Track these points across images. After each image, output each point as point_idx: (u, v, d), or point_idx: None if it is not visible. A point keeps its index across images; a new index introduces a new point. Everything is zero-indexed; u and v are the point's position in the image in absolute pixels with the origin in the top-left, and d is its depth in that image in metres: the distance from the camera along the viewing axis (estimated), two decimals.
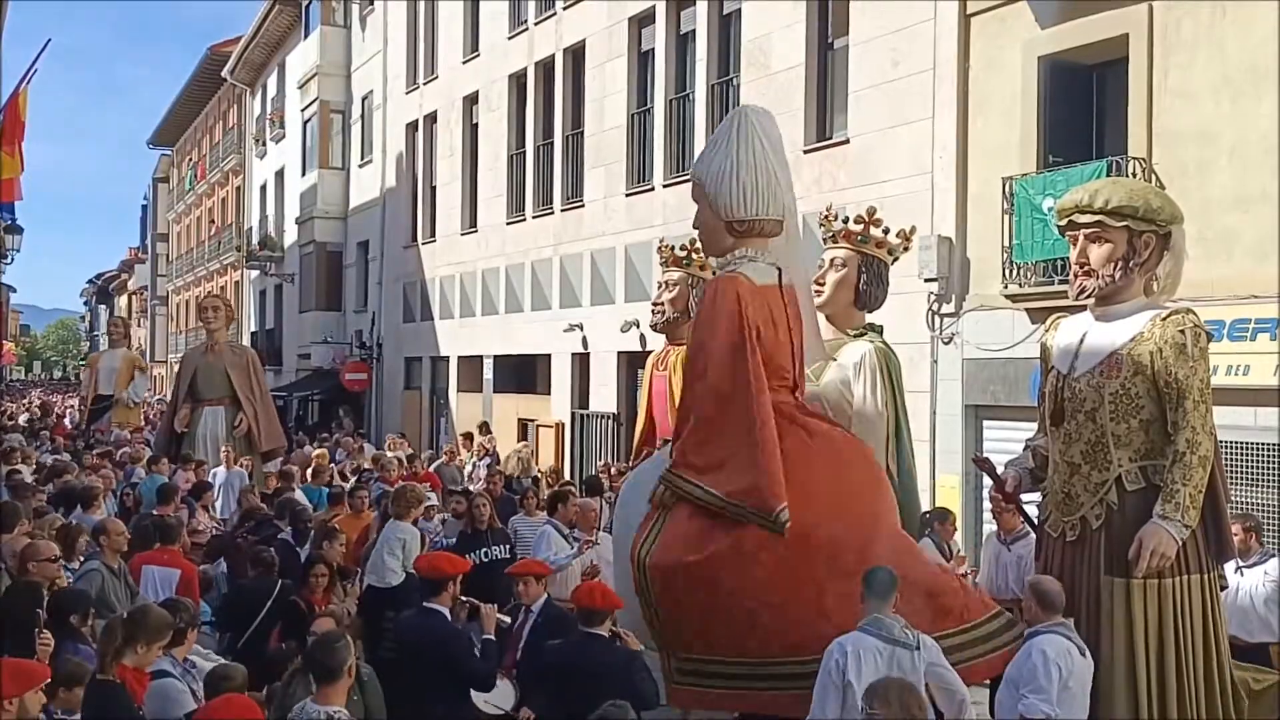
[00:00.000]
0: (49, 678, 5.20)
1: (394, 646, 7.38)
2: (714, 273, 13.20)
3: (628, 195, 19.13)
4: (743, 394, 6.58)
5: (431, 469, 17.46)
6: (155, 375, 56.59)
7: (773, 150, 6.94)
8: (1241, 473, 10.20)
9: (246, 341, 36.12)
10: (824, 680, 5.61)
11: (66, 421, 29.40)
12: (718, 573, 6.40)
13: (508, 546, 10.30)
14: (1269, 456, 10.27)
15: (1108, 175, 10.57)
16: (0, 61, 21.17)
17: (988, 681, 6.87)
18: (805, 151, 15.30)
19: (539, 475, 15.80)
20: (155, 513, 10.70)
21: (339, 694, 5.33)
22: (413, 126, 27.66)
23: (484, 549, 10.09)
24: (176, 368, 18.71)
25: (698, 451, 6.68)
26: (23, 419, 31.57)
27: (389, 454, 17.40)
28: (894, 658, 5.59)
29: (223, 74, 40.84)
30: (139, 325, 63.42)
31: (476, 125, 24.81)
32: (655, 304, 13.32)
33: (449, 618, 7.07)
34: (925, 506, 10.74)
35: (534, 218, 22.18)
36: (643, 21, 19.18)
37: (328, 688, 5.29)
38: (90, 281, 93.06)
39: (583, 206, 20.48)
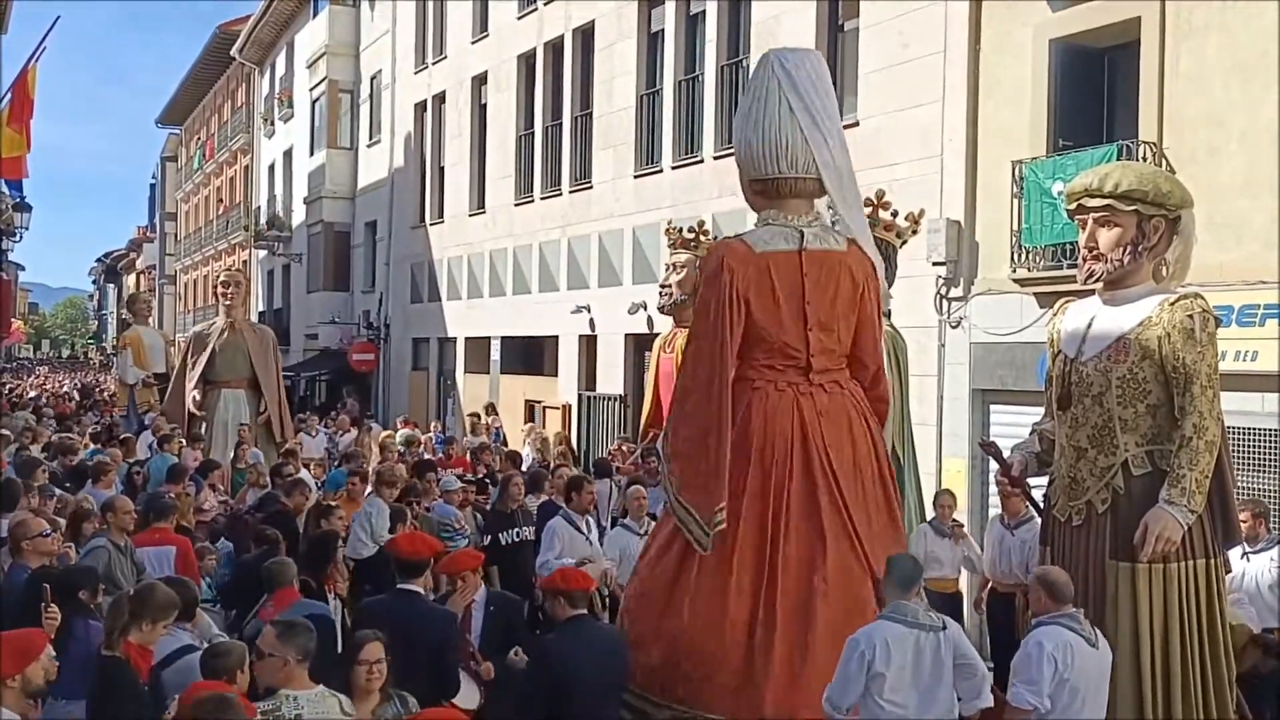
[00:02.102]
0: (47, 646, 5.18)
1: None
2: None
3: (636, 177, 19.09)
4: (704, 384, 6.27)
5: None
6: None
7: (797, 100, 6.31)
8: (1248, 458, 10.19)
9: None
10: (845, 672, 5.46)
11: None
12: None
13: (532, 529, 10.17)
14: (1276, 442, 10.25)
15: (1118, 159, 10.53)
16: (1, 45, 21.19)
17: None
18: None
19: (551, 461, 15.38)
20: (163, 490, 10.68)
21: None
22: (421, 107, 27.61)
23: (515, 529, 10.03)
24: (184, 344, 16.40)
25: (673, 435, 6.49)
26: (31, 395, 31.65)
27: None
28: (919, 642, 5.50)
29: (231, 53, 40.77)
30: None
31: (485, 106, 24.77)
32: (663, 286, 13.35)
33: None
34: (929, 490, 10.75)
35: (542, 199, 22.16)
36: (652, 2, 19.11)
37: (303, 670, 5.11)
38: (99, 260, 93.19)
39: (591, 188, 20.44)
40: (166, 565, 8.42)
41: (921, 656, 5.48)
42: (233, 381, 15.24)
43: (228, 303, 15.75)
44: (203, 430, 14.92)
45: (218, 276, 16.84)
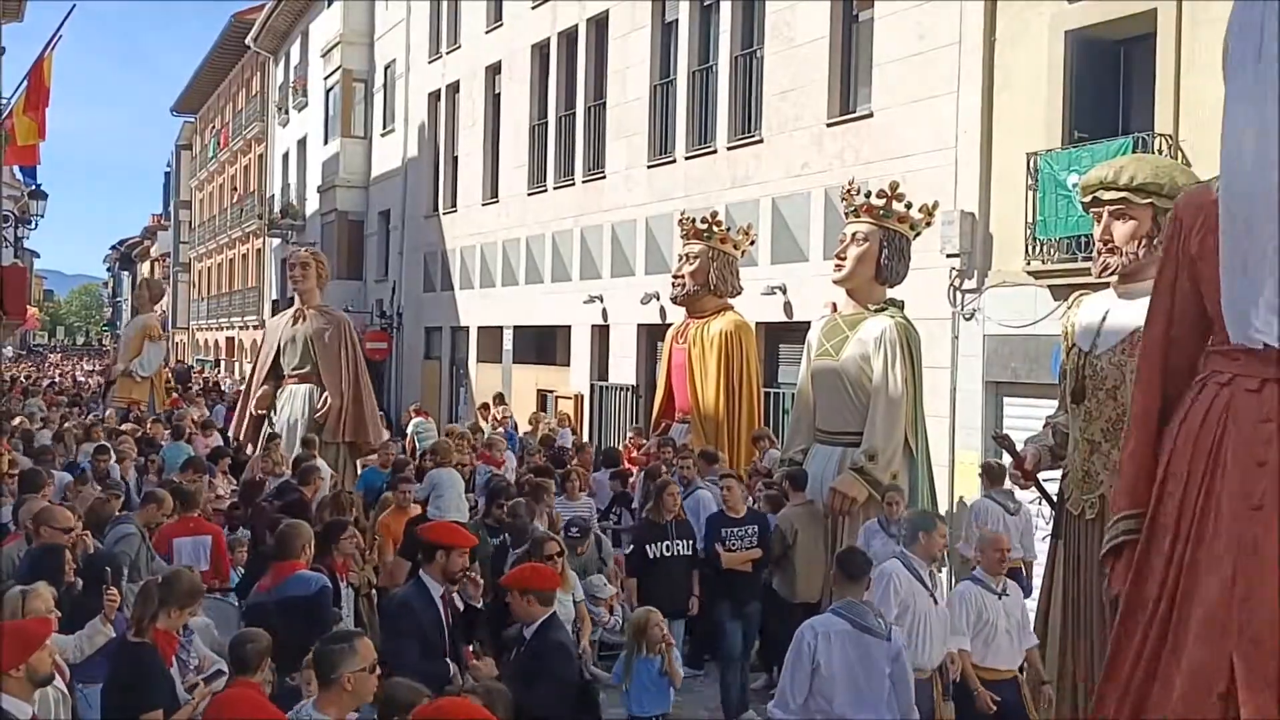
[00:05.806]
0: (50, 635, 5.20)
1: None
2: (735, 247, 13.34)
3: (649, 167, 19.10)
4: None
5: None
6: (177, 342, 56.84)
7: None
8: None
9: (267, 310, 36.13)
10: (795, 659, 5.39)
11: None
12: None
13: (690, 542, 9.25)
14: None
15: (1133, 152, 10.51)
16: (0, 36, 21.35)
17: None
18: (828, 125, 15.26)
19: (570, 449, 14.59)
20: (175, 478, 10.69)
21: (336, 703, 4.89)
22: (435, 96, 27.64)
23: (664, 542, 9.16)
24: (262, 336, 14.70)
25: None
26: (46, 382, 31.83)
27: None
28: (862, 645, 5.36)
29: (246, 41, 40.85)
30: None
31: (499, 95, 24.80)
32: (675, 276, 13.40)
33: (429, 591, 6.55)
34: (942, 483, 10.78)
35: (555, 189, 22.18)
36: None
37: (325, 692, 4.90)
38: (113, 248, 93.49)
39: (604, 178, 20.46)
40: (203, 554, 8.40)
41: (864, 660, 5.33)
42: (297, 376, 13.87)
43: (296, 286, 14.31)
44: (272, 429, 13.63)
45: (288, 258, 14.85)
